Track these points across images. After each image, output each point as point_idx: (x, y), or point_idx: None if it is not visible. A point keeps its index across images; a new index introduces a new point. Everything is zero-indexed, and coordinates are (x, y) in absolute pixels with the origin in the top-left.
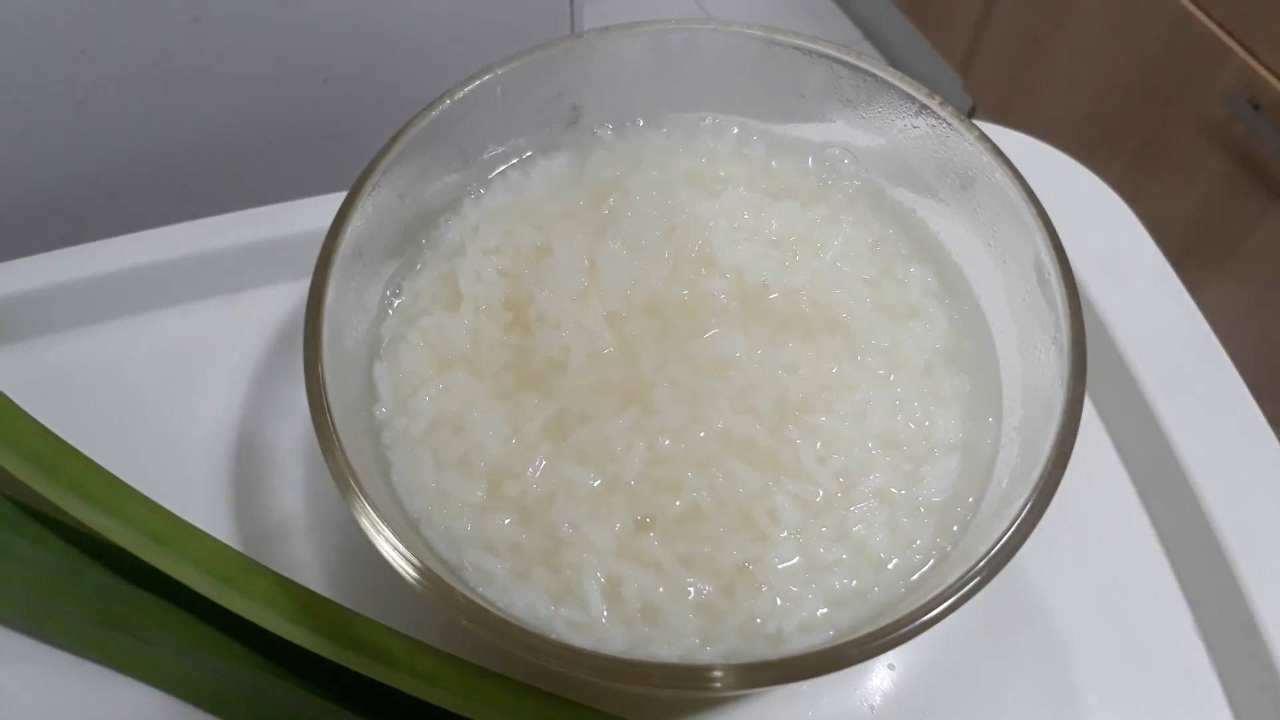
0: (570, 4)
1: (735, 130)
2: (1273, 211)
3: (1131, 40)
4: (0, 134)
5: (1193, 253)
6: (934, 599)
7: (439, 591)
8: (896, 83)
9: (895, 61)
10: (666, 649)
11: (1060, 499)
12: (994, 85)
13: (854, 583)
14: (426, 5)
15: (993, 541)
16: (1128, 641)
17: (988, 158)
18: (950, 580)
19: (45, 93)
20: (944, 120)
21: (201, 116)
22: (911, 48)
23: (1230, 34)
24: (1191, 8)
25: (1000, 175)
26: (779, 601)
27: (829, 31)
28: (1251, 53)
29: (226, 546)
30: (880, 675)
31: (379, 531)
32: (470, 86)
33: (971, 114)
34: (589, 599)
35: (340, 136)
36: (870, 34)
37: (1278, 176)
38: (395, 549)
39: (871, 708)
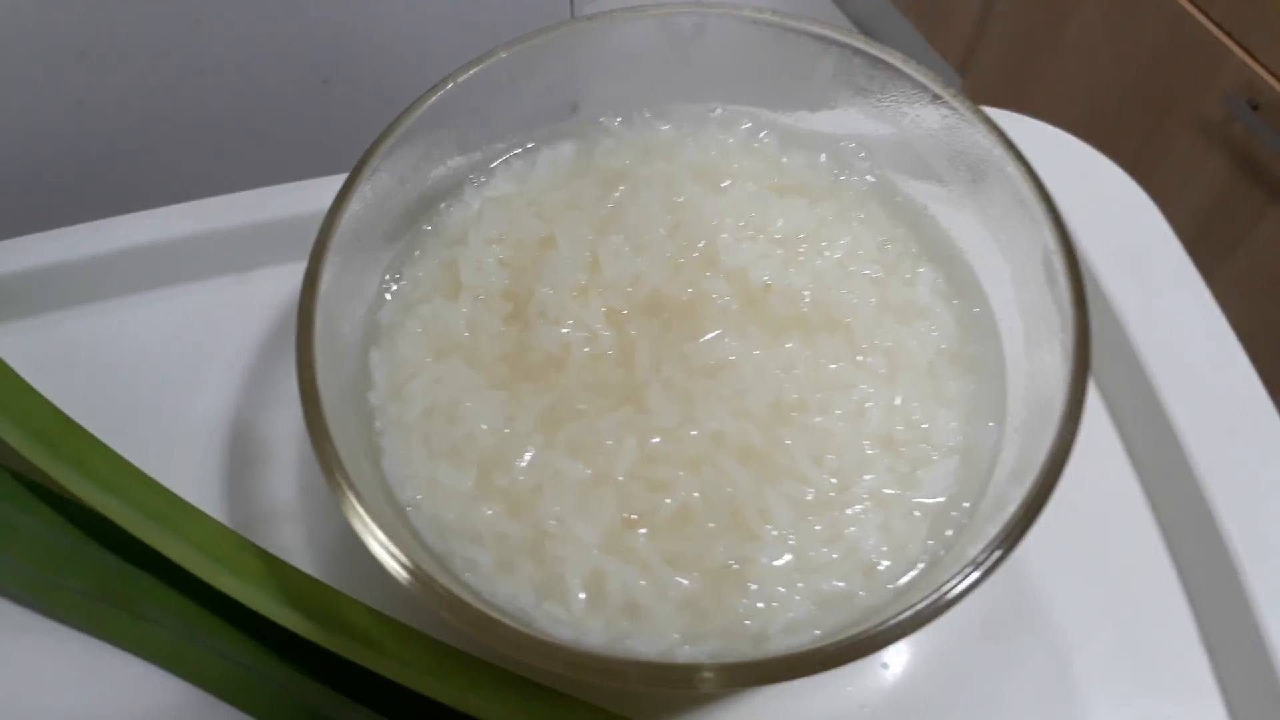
0: (570, 5)
1: (747, 124)
2: (1271, 212)
3: (1130, 41)
4: (1, 134)
5: (1191, 253)
6: (918, 603)
7: (418, 580)
8: (910, 71)
9: None
10: (646, 646)
11: (1066, 500)
12: (993, 86)
13: (843, 585)
14: (427, 5)
15: (982, 547)
16: (1128, 647)
17: (999, 150)
18: (937, 583)
19: (46, 93)
20: (955, 110)
21: (202, 117)
22: (911, 48)
23: (1229, 35)
24: (1190, 8)
25: (1011, 168)
26: (765, 601)
27: None
28: (1250, 54)
29: (222, 527)
30: (874, 675)
31: (358, 518)
32: (475, 69)
33: None
34: (571, 592)
35: (341, 137)
36: (869, 34)
37: (1276, 177)
38: (374, 536)
39: (864, 706)
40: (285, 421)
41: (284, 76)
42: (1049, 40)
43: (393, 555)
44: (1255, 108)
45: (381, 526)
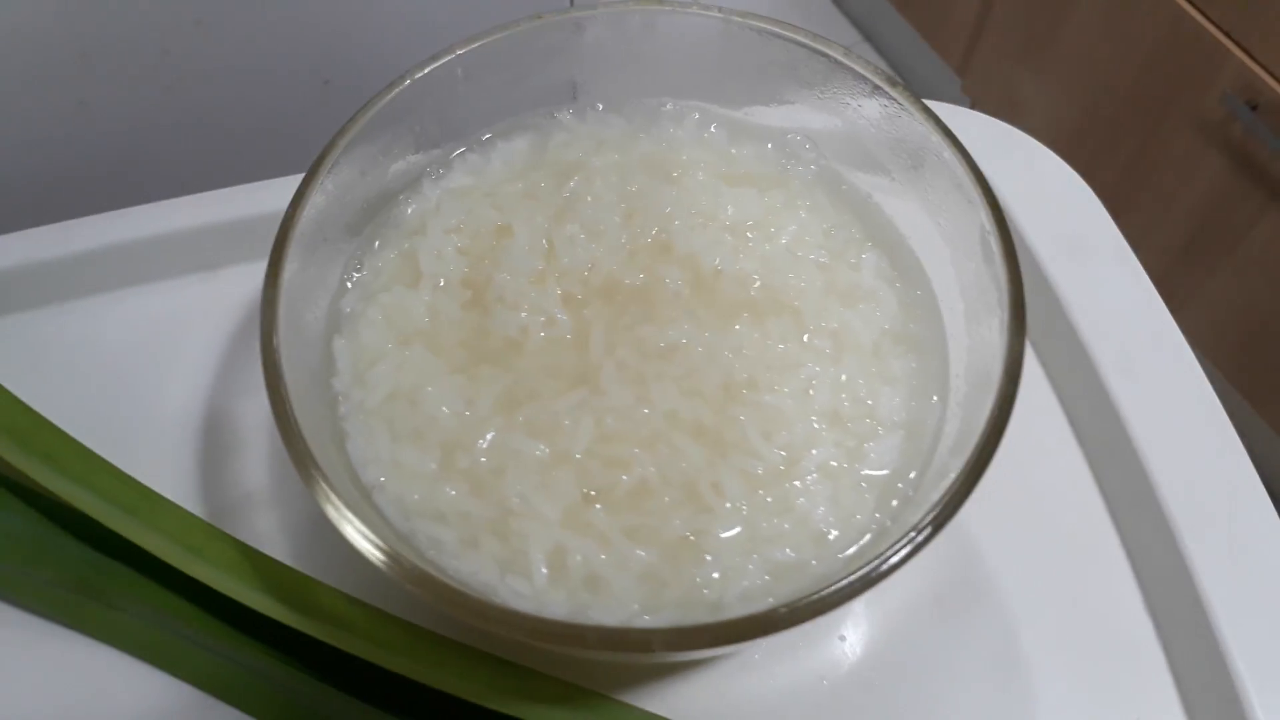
0: (570, 4)
1: (696, 116)
2: (1270, 212)
3: (1129, 41)
4: (1, 135)
5: (1190, 253)
6: (864, 568)
7: (387, 557)
8: (849, 63)
9: (894, 63)
10: (607, 616)
11: (1014, 475)
12: (992, 86)
13: (795, 554)
14: (427, 5)
15: (922, 514)
16: (1076, 617)
17: (936, 137)
18: (880, 550)
19: (46, 94)
20: (895, 100)
21: (203, 118)
22: (910, 49)
23: (1228, 35)
24: (1189, 9)
25: (948, 154)
26: (721, 571)
27: (827, 32)
28: (1249, 54)
29: (193, 516)
30: (832, 647)
31: (326, 498)
32: (431, 66)
33: None
34: (534, 567)
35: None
36: (869, 35)
37: (1275, 177)
38: (345, 519)
39: (823, 679)
40: (253, 412)
41: (285, 77)
42: (1048, 40)
43: (361, 534)
44: (1254, 108)
45: (350, 508)
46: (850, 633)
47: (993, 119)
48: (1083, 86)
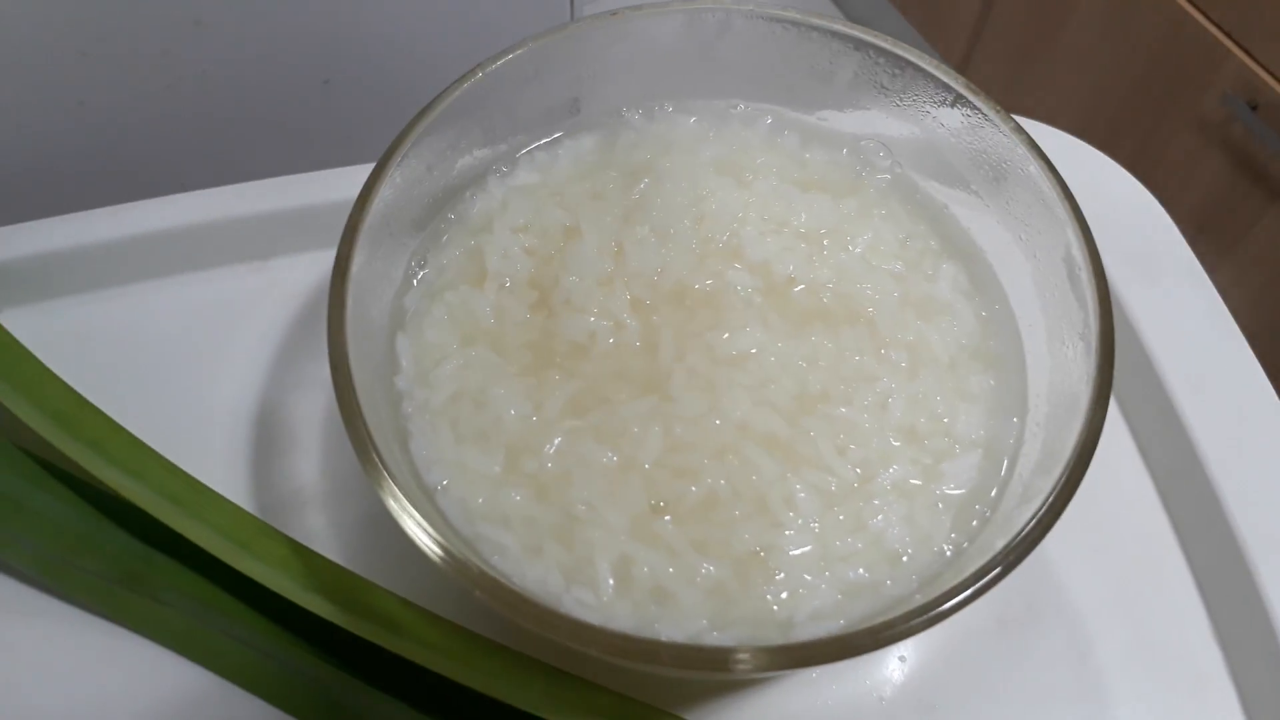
0: (570, 5)
1: (769, 120)
2: (1271, 212)
3: (1129, 42)
4: (1, 135)
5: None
6: (948, 592)
7: (454, 562)
8: (932, 70)
9: None
10: (675, 630)
11: (1079, 497)
12: (992, 87)
13: (868, 574)
14: (427, 5)
15: (1012, 536)
16: (1143, 643)
17: (1022, 150)
18: (966, 574)
19: (46, 94)
20: (979, 110)
21: (203, 118)
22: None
23: (1228, 35)
24: (1189, 9)
25: (1034, 168)
26: (791, 589)
27: None
28: (1249, 54)
29: (242, 510)
30: (891, 667)
31: (395, 499)
32: (503, 60)
33: None
34: (599, 577)
35: (342, 137)
36: None
37: (1275, 177)
38: (412, 518)
39: (881, 699)
40: (306, 407)
41: (285, 77)
42: (1048, 41)
43: (425, 531)
44: (1254, 108)
45: (419, 511)
46: (909, 651)
47: (1060, 131)
48: (1083, 86)
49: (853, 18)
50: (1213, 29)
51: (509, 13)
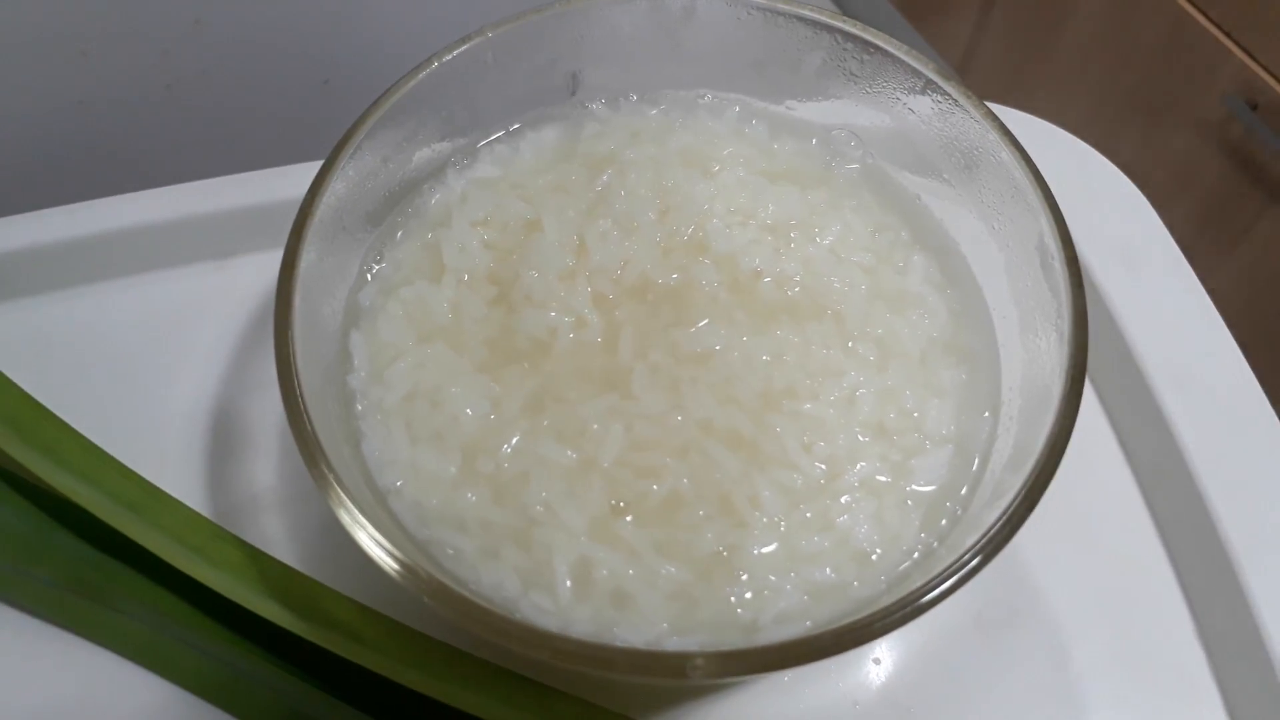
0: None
1: (736, 109)
2: (1270, 212)
3: (1129, 42)
4: (1, 135)
5: (1190, 254)
6: (915, 592)
7: (402, 568)
8: (901, 55)
9: None
10: (634, 635)
11: (1059, 493)
12: (992, 86)
13: (835, 574)
14: (427, 6)
15: (981, 534)
16: (1124, 642)
17: (993, 136)
18: (934, 573)
19: (46, 94)
20: (949, 96)
21: (202, 118)
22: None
23: (1228, 35)
24: (1190, 9)
25: (1006, 155)
26: (756, 591)
27: None
28: (1249, 54)
29: (199, 515)
30: (866, 670)
31: (340, 504)
32: (460, 49)
33: None
34: (558, 580)
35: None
36: None
37: (1275, 177)
38: (358, 522)
39: (855, 703)
40: (264, 409)
41: (284, 77)
42: (1048, 41)
43: (377, 542)
44: (1254, 108)
45: (364, 513)
46: (884, 654)
47: (1038, 119)
48: (1082, 87)
49: (852, 17)
50: (1213, 29)
51: (510, 13)
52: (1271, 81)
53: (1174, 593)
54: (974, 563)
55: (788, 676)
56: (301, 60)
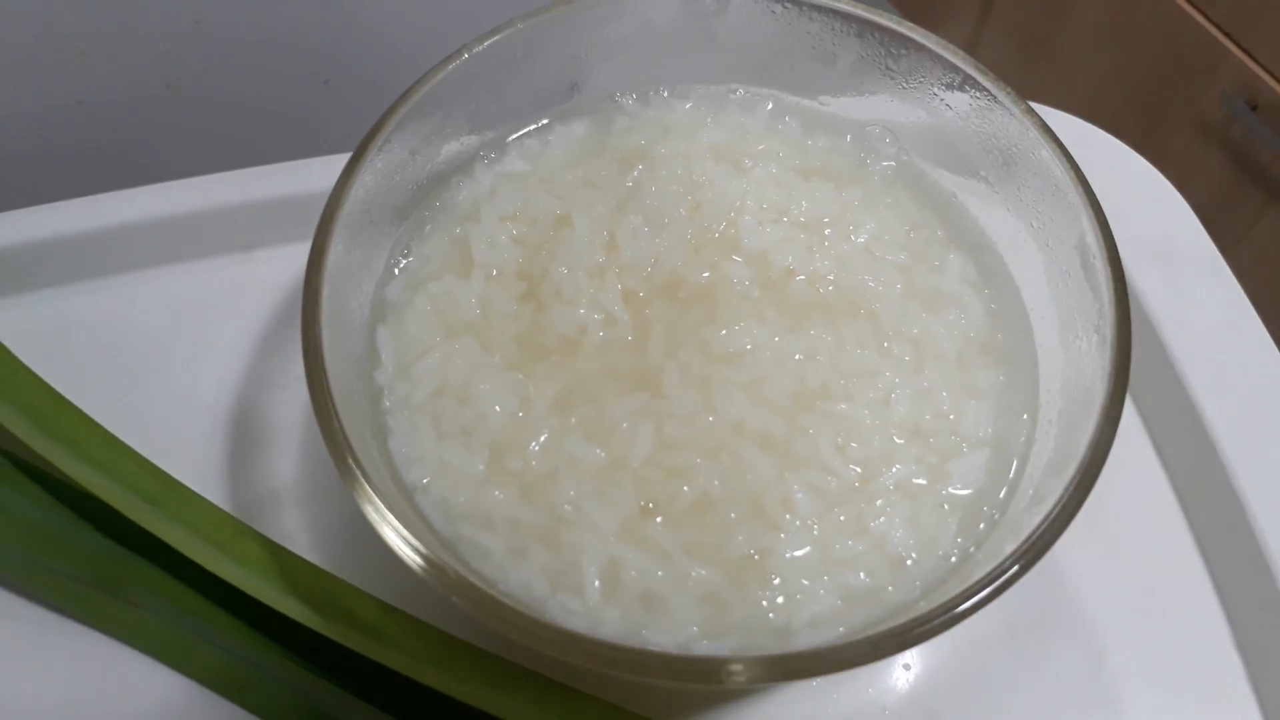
0: None
1: (769, 105)
2: (1270, 212)
3: (1129, 42)
4: (1, 134)
5: None
6: (954, 599)
7: (431, 567)
8: (939, 50)
9: None
10: (664, 638)
11: (1093, 499)
12: None
13: (869, 579)
14: (427, 5)
15: (1023, 539)
16: (1159, 649)
17: (1034, 133)
18: (975, 579)
19: (46, 94)
20: (988, 92)
21: (202, 118)
22: None
23: (1228, 35)
24: (1189, 9)
25: (1046, 152)
26: (788, 595)
27: None
28: (1249, 54)
29: (220, 510)
30: (895, 675)
31: (368, 499)
32: (490, 40)
33: None
34: (586, 581)
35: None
36: None
37: (1275, 177)
38: (386, 520)
39: (884, 709)
40: (289, 404)
41: (285, 77)
42: (1048, 41)
43: (404, 539)
44: (1254, 108)
45: (391, 509)
46: (914, 659)
47: (1075, 117)
48: (1082, 87)
49: None
50: (1212, 29)
51: (509, 13)
52: (1271, 82)
53: (1210, 598)
54: (1016, 568)
55: (816, 681)
56: (302, 60)
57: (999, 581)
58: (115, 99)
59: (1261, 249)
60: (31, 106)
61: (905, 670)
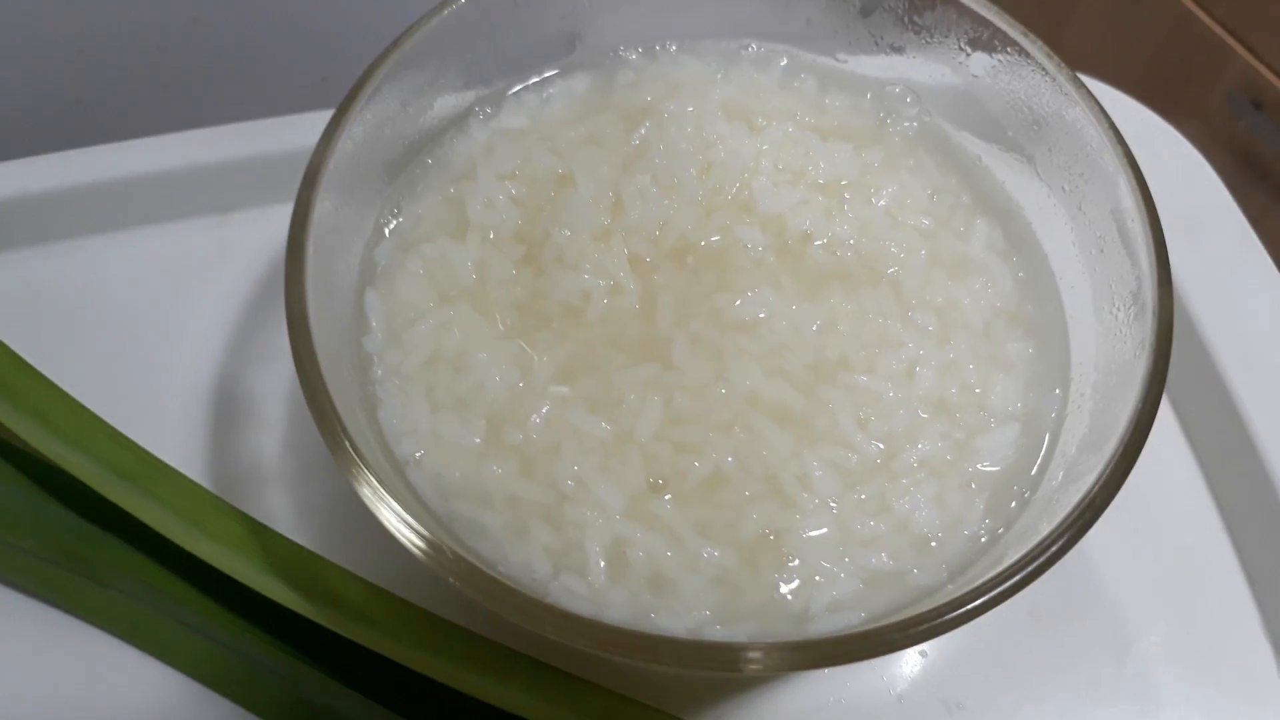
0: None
1: (783, 62)
2: (1275, 210)
3: (1133, 40)
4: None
5: None
6: (986, 584)
7: (426, 544)
8: (969, 3)
9: None
10: (674, 622)
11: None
12: None
13: (892, 561)
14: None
15: (1059, 520)
16: (1187, 636)
17: (1068, 90)
18: (1008, 562)
19: (44, 91)
20: (1018, 46)
21: (200, 114)
22: None
23: (1231, 33)
24: (1193, 7)
25: (1081, 112)
26: (806, 577)
27: None
28: (1253, 52)
29: (198, 486)
30: (910, 662)
31: (357, 472)
32: None
33: None
34: (591, 561)
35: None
36: None
37: (1279, 175)
38: (376, 494)
39: (900, 698)
40: (271, 374)
41: (283, 75)
42: (1051, 40)
43: (399, 516)
44: (1258, 106)
45: (384, 485)
46: (930, 646)
47: (1100, 82)
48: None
49: None
50: (1216, 27)
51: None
52: (1275, 80)
53: (1240, 584)
54: (1056, 548)
55: (827, 669)
56: (300, 58)
57: (1038, 562)
58: (113, 96)
59: (1265, 247)
60: (28, 104)
61: (921, 657)
